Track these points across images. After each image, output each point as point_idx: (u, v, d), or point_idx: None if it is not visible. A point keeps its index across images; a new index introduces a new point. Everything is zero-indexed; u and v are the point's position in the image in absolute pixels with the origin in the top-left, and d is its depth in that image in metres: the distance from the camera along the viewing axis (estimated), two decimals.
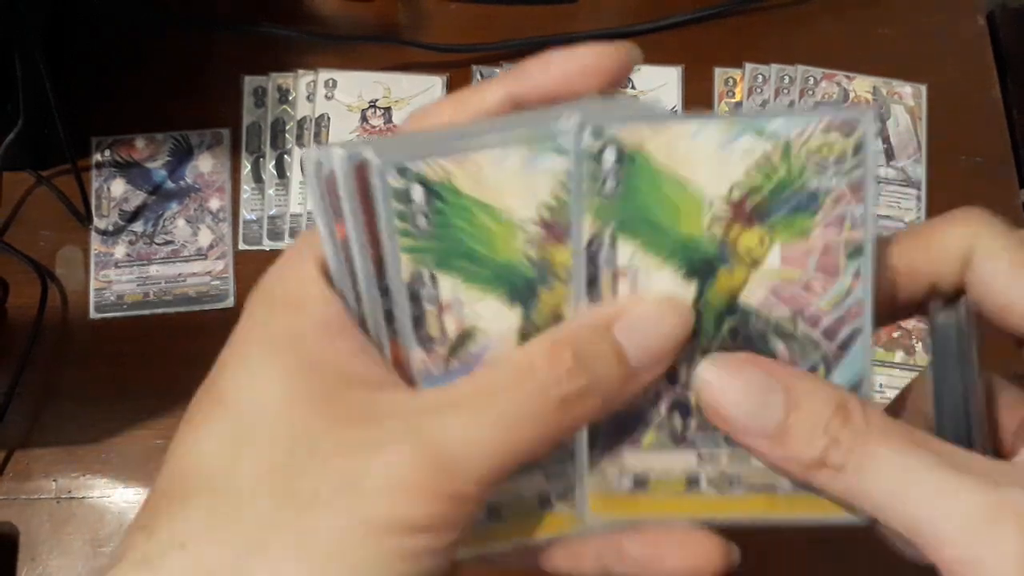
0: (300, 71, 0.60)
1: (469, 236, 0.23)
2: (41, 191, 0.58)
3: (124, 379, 0.55)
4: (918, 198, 0.59)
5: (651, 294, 0.24)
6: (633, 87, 0.60)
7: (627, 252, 0.23)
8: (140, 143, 0.59)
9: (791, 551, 0.51)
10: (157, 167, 0.59)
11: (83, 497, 0.53)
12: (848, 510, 0.23)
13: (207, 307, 0.56)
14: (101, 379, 0.55)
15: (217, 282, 0.57)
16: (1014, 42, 0.63)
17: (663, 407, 0.24)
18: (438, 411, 0.22)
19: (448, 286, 0.23)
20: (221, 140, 0.59)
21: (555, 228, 0.23)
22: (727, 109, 0.60)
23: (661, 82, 0.60)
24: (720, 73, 0.61)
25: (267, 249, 0.57)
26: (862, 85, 0.61)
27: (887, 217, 0.59)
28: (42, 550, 0.52)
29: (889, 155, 0.59)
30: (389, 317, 0.23)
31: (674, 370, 0.24)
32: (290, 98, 0.60)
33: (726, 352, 0.24)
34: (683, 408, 0.24)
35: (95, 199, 0.58)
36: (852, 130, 0.23)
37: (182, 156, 0.59)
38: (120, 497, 0.53)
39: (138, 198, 0.58)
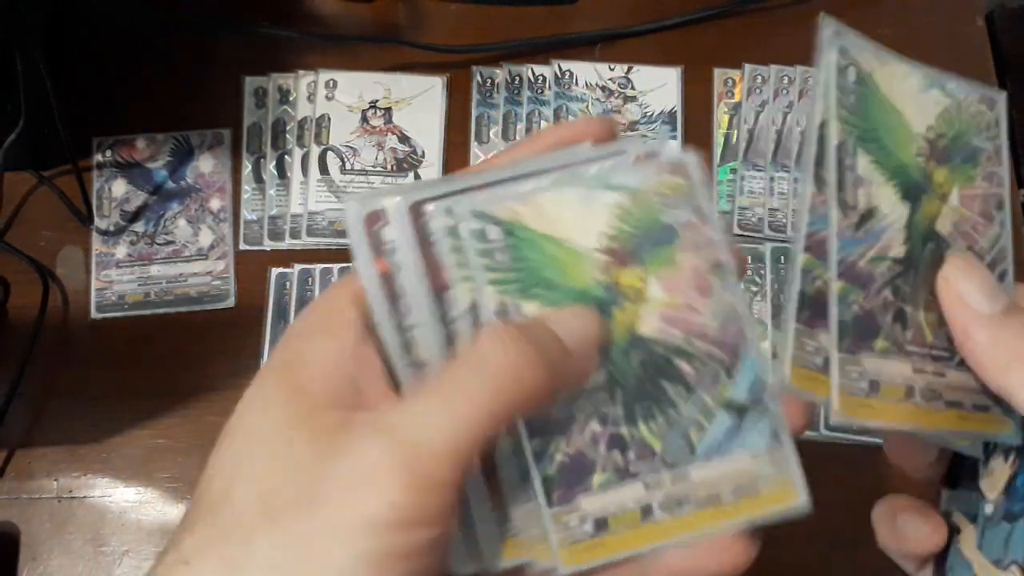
0: (301, 72, 0.60)
1: (542, 265, 0.26)
2: (42, 191, 0.58)
3: (125, 379, 0.55)
4: None
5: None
6: (633, 88, 0.60)
7: (863, 163, 0.26)
8: (141, 143, 0.59)
9: (806, 541, 0.51)
10: (158, 167, 0.59)
11: (84, 496, 0.53)
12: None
13: (208, 307, 0.56)
14: (102, 379, 0.55)
15: (218, 282, 0.57)
16: (1014, 42, 0.63)
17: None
18: (399, 410, 0.23)
19: (531, 312, 0.26)
20: (222, 140, 0.59)
21: (619, 254, 0.26)
22: (725, 111, 0.60)
23: (661, 82, 0.60)
24: (720, 73, 0.61)
25: (268, 249, 0.57)
26: None
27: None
28: (43, 549, 0.52)
29: None
30: (449, 342, 0.25)
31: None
32: (291, 99, 0.60)
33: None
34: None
35: (96, 199, 0.58)
36: (994, 105, 0.28)
37: (183, 156, 0.59)
38: (121, 496, 0.53)
39: (139, 198, 0.58)
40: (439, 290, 0.25)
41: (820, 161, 0.26)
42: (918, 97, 0.27)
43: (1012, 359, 0.25)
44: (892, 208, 0.26)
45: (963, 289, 0.26)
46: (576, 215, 0.26)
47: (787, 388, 0.26)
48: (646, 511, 0.26)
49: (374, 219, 0.25)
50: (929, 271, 0.27)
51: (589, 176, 0.26)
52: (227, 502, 0.23)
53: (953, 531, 0.29)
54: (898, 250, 0.27)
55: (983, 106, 0.28)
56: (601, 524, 0.26)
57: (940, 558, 0.29)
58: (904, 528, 0.29)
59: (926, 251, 0.27)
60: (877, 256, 0.26)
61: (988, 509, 0.27)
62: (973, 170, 0.27)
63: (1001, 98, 0.28)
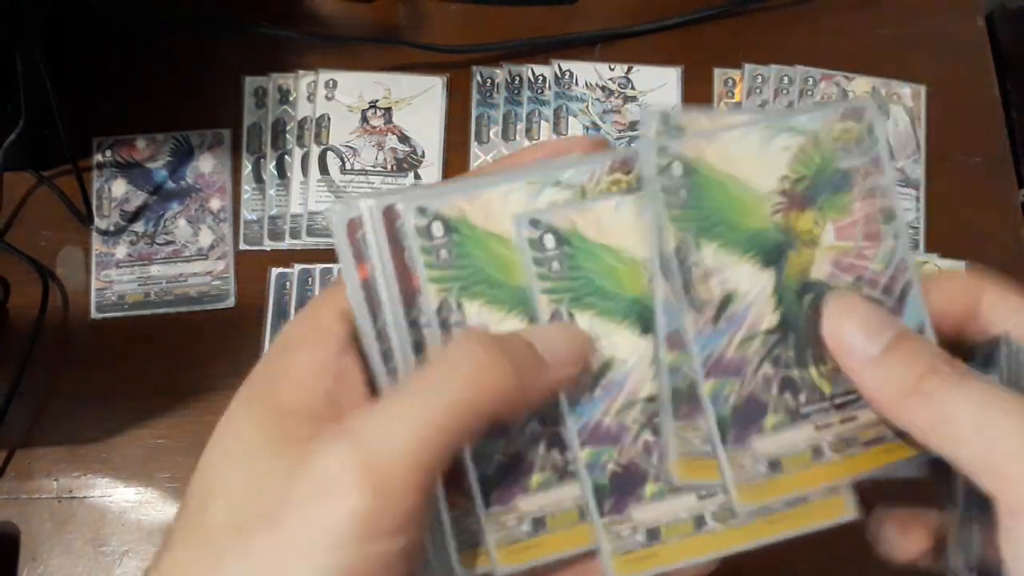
0: (301, 72, 0.60)
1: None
2: (42, 191, 0.58)
3: (125, 379, 0.55)
4: (916, 198, 0.59)
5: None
6: (633, 88, 0.60)
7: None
8: (141, 143, 0.59)
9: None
10: (158, 167, 0.59)
11: (84, 496, 0.53)
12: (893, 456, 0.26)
13: (208, 307, 0.56)
14: (102, 379, 0.55)
15: (218, 282, 0.57)
16: (1013, 43, 0.63)
17: (775, 389, 0.27)
18: (360, 416, 0.23)
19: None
20: (222, 140, 0.59)
21: (796, 197, 0.26)
22: (724, 108, 0.60)
23: (661, 82, 0.61)
24: (720, 74, 0.61)
25: (268, 249, 0.57)
26: (861, 86, 0.61)
27: None
28: (43, 549, 0.52)
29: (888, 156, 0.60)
30: (418, 348, 0.26)
31: (777, 355, 0.26)
32: (291, 99, 0.60)
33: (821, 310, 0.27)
34: (792, 385, 0.27)
35: (96, 199, 0.58)
36: (861, 116, 0.27)
37: (183, 156, 0.59)
38: (121, 496, 0.53)
39: (139, 198, 0.58)
40: (410, 294, 0.26)
41: (664, 264, 0.26)
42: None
43: (899, 397, 0.25)
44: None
45: (841, 334, 0.26)
46: (756, 156, 0.26)
47: (678, 482, 0.26)
48: (817, 452, 0.27)
49: (356, 225, 0.26)
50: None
51: (771, 118, 0.27)
52: (201, 520, 0.23)
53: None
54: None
55: (849, 122, 0.27)
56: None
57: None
58: (889, 540, 0.30)
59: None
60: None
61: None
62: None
63: (869, 104, 0.27)
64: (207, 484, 0.24)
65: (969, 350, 0.27)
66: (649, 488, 0.26)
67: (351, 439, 0.22)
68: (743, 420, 0.26)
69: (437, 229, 0.26)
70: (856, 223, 0.27)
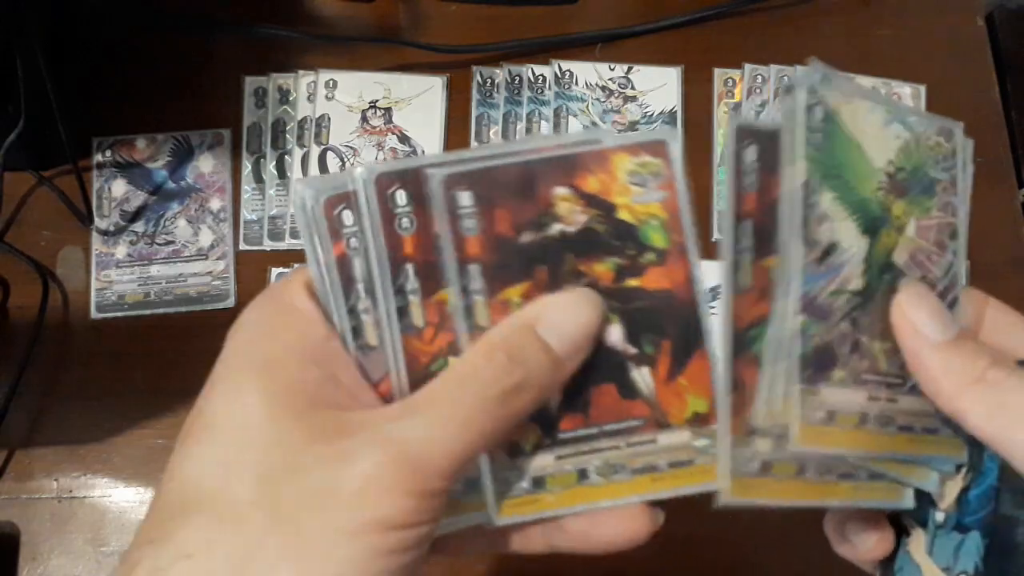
0: (300, 72, 0.60)
1: (845, 164, 0.27)
2: (42, 191, 0.58)
3: (125, 379, 0.55)
4: None
5: (566, 294, 0.27)
6: (633, 88, 0.60)
7: (827, 200, 0.27)
8: (141, 143, 0.59)
9: (796, 537, 0.51)
10: (158, 167, 0.59)
11: (84, 496, 0.53)
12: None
13: (208, 307, 0.56)
14: (102, 379, 0.55)
15: (218, 282, 0.57)
16: (1013, 43, 0.63)
17: (846, 347, 0.27)
18: (400, 420, 0.25)
19: (825, 201, 0.27)
20: (222, 140, 0.59)
21: (896, 183, 0.28)
22: (726, 111, 0.60)
23: (661, 82, 0.61)
24: (720, 74, 0.61)
25: (268, 249, 0.57)
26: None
27: None
28: (43, 549, 0.52)
29: None
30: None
31: (856, 317, 0.28)
32: (291, 99, 0.60)
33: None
34: (859, 348, 0.28)
35: (96, 199, 0.58)
36: (951, 136, 0.29)
37: (183, 156, 0.59)
38: (121, 496, 0.53)
39: (139, 198, 0.58)
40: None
41: (789, 197, 0.27)
42: (880, 133, 0.28)
43: (961, 384, 0.26)
44: (852, 242, 0.27)
45: (916, 318, 0.27)
46: (877, 133, 0.28)
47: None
48: (863, 419, 0.28)
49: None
50: (885, 301, 0.28)
51: (894, 106, 0.28)
52: (225, 497, 0.24)
53: (902, 532, 0.30)
54: (857, 283, 0.28)
55: (941, 138, 0.29)
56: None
57: (888, 558, 0.31)
58: (852, 537, 0.31)
59: (883, 282, 0.28)
60: (837, 289, 0.27)
61: (939, 517, 0.29)
62: (929, 201, 0.29)
63: (958, 128, 0.30)
64: (221, 463, 0.24)
65: None
66: (837, 373, 0.27)
67: (399, 446, 0.24)
68: (818, 364, 0.27)
69: (818, 113, 0.27)
70: (931, 228, 0.29)
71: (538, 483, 0.28)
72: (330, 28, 0.62)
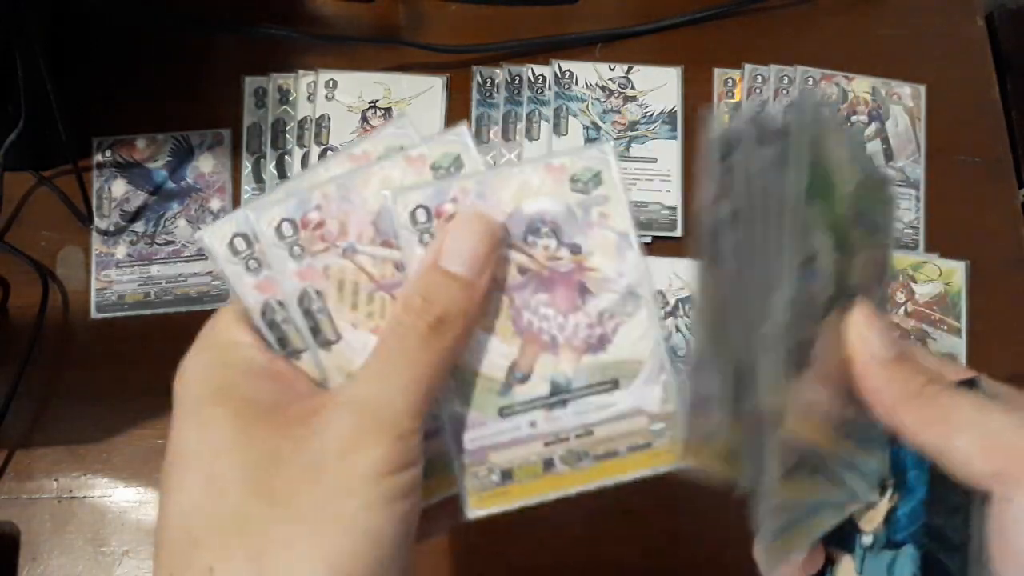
0: (301, 72, 0.60)
1: (828, 184, 0.28)
2: (42, 191, 0.58)
3: (125, 379, 0.55)
4: (917, 199, 0.59)
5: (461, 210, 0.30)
6: (633, 88, 0.60)
7: (814, 213, 0.28)
8: (141, 143, 0.59)
9: None
10: (158, 167, 0.59)
11: (84, 497, 0.53)
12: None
13: (208, 307, 0.56)
14: (102, 379, 0.55)
15: (218, 282, 0.57)
16: (1013, 43, 0.63)
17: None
18: (355, 386, 0.28)
19: (814, 211, 0.28)
20: (222, 140, 0.59)
21: (856, 215, 0.29)
22: (726, 109, 0.60)
23: (661, 82, 0.61)
24: (720, 74, 0.61)
25: None
26: (861, 86, 0.61)
27: None
28: (43, 549, 0.52)
29: (888, 156, 0.60)
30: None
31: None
32: (291, 99, 0.60)
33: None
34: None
35: (96, 199, 0.58)
36: (887, 187, 0.30)
37: (183, 156, 0.59)
38: (121, 497, 0.53)
39: (139, 198, 0.58)
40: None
41: (793, 201, 0.28)
42: (847, 167, 0.29)
43: (902, 397, 0.28)
44: (825, 257, 0.28)
45: (867, 334, 0.29)
46: (844, 166, 0.29)
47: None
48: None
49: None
50: (833, 318, 0.29)
51: (856, 143, 0.30)
52: (224, 510, 0.26)
53: (828, 561, 0.31)
54: (825, 293, 0.29)
55: (884, 187, 0.31)
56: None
57: None
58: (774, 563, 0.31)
59: (839, 302, 0.29)
60: (812, 295, 0.29)
61: (867, 540, 0.30)
62: (872, 239, 0.30)
63: (889, 182, 0.31)
64: (207, 484, 0.26)
65: None
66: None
67: (364, 404, 0.27)
68: (797, 360, 0.28)
69: (816, 128, 0.28)
70: (871, 262, 0.30)
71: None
72: (330, 28, 0.62)
